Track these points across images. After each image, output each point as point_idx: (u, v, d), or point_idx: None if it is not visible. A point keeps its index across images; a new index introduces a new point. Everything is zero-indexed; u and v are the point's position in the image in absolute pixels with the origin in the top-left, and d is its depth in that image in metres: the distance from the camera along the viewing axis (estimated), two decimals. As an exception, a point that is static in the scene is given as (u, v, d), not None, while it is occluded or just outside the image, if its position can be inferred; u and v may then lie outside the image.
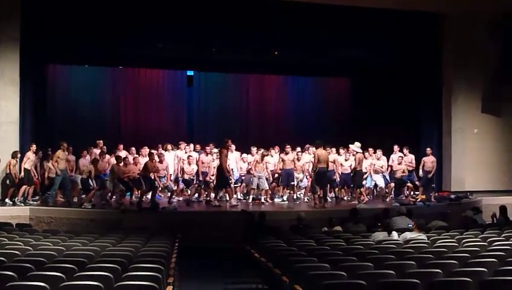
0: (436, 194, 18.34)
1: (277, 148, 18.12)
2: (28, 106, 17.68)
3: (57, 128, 21.12)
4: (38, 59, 18.15)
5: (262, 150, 17.40)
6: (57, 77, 21.97)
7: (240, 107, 24.18)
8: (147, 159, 16.46)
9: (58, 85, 22.00)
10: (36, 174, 16.38)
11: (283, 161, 16.74)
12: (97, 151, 17.30)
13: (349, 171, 17.31)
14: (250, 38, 18.83)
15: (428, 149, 17.88)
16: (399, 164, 17.70)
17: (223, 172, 15.73)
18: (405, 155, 18.03)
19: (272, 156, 17.65)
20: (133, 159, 16.82)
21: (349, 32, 18.83)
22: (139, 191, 16.16)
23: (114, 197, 16.07)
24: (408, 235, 10.06)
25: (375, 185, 17.94)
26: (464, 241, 9.58)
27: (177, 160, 17.45)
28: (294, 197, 17.18)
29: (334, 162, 16.96)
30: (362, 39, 19.40)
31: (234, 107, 24.09)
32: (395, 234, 10.17)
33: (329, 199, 17.21)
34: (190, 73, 23.45)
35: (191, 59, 21.19)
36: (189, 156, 17.35)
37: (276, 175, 17.31)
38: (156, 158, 16.46)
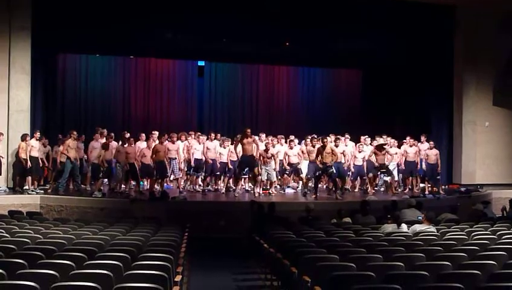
0: (447, 187, 18.25)
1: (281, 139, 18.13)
2: (39, 94, 17.75)
3: (68, 117, 21.36)
4: (49, 48, 18.16)
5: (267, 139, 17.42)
6: (67, 66, 22.06)
7: (250, 97, 24.26)
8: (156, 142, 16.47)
9: (69, 74, 22.13)
10: (46, 162, 16.49)
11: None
12: (102, 140, 17.06)
13: (362, 163, 17.29)
14: (261, 29, 18.70)
15: (431, 142, 17.70)
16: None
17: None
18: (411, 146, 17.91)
19: (282, 145, 17.62)
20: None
21: (360, 24, 18.63)
22: (150, 180, 16.23)
23: (123, 186, 16.09)
24: (417, 227, 10.05)
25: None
26: (473, 234, 9.56)
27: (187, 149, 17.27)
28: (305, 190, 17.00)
29: (343, 153, 16.82)
30: (373, 31, 19.22)
31: (244, 98, 24.19)
32: (404, 226, 10.16)
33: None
34: (201, 63, 23.54)
35: (202, 49, 21.05)
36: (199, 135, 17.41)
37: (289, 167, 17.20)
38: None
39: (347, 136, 18.22)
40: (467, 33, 19.38)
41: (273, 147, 17.05)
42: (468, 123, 19.47)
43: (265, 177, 16.42)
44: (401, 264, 6.86)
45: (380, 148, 16.93)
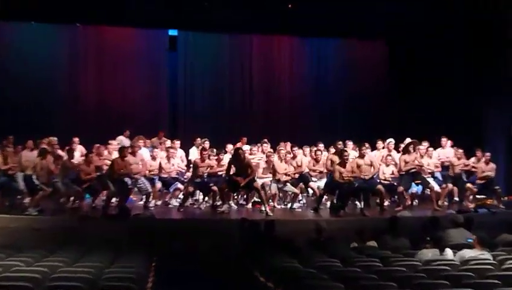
0: (506, 198, 18.18)
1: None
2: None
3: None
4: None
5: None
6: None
7: (240, 79, 24.24)
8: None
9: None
10: None
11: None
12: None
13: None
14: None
15: (487, 154, 17.60)
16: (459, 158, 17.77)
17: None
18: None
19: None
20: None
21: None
22: (106, 193, 16.14)
23: (71, 200, 16.10)
24: (467, 253, 10.01)
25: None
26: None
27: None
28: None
29: (371, 164, 16.69)
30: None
31: (233, 79, 24.14)
32: (449, 252, 10.12)
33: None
34: (173, 33, 23.47)
35: (175, 15, 21.03)
36: (168, 148, 17.44)
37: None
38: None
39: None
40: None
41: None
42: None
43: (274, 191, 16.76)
44: (446, 303, 6.81)
45: (407, 150, 16.82)
